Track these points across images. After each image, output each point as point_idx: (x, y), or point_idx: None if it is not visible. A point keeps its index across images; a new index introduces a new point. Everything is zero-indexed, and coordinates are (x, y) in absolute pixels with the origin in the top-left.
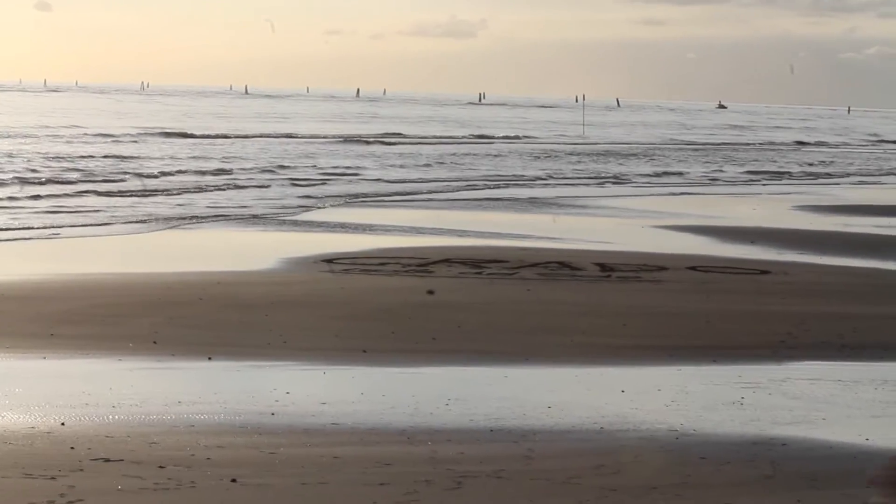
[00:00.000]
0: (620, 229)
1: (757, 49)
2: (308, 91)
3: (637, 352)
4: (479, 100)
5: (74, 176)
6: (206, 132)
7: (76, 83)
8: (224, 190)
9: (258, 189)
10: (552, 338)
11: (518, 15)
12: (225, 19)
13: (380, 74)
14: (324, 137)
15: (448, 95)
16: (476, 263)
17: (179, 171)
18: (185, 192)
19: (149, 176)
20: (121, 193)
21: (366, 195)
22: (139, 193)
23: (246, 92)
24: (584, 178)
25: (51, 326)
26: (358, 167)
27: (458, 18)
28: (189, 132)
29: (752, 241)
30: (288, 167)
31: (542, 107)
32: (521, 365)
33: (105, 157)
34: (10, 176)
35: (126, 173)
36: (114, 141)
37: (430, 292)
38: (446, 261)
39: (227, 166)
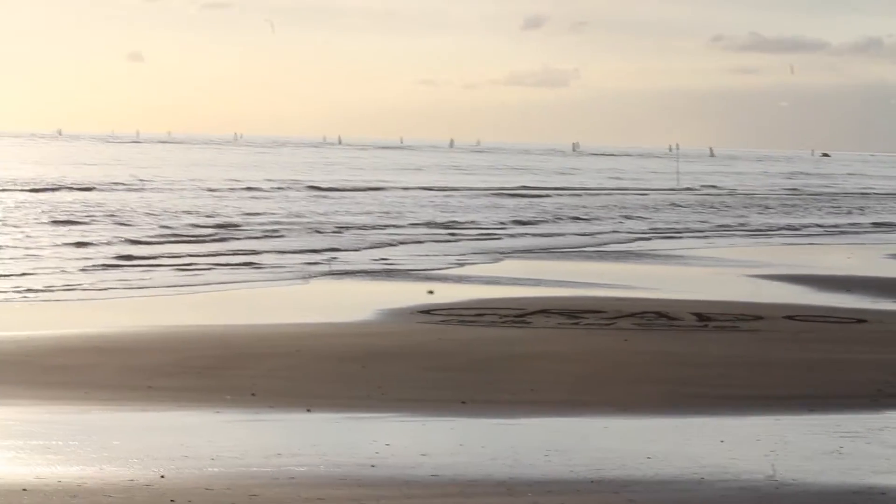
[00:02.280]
0: (718, 278)
1: (852, 96)
2: (402, 141)
3: (735, 402)
4: (574, 149)
5: (208, 231)
6: (336, 185)
7: (168, 134)
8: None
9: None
10: (650, 388)
11: (610, 64)
12: (315, 69)
13: (473, 124)
14: (453, 189)
15: (542, 145)
16: (573, 314)
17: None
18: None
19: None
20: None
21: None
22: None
23: (339, 143)
24: (680, 228)
25: (149, 378)
26: (501, 222)
27: (551, 67)
28: (321, 185)
29: (847, 290)
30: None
31: (637, 156)
32: (619, 415)
33: (264, 213)
34: (155, 231)
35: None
36: (253, 195)
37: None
38: (544, 311)
39: (388, 221)
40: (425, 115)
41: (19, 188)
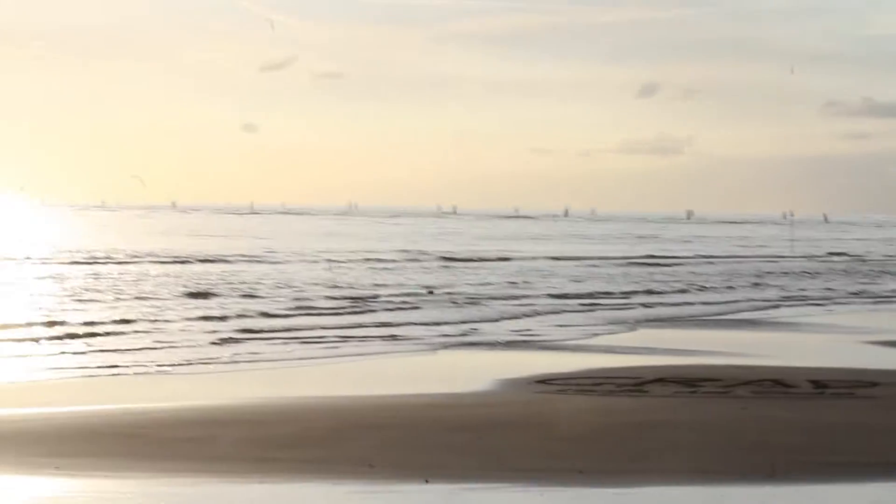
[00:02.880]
0: (835, 345)
1: None
2: (517, 210)
3: (853, 469)
4: (688, 217)
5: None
6: (465, 255)
7: (282, 204)
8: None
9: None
10: (767, 455)
11: (723, 131)
12: (428, 138)
13: (587, 192)
14: (580, 259)
15: (656, 213)
16: (690, 382)
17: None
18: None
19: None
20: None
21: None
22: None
23: (454, 212)
24: (802, 295)
25: (266, 450)
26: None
27: (664, 135)
28: (450, 255)
29: None
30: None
31: (752, 223)
32: (737, 483)
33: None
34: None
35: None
36: (384, 266)
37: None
38: (660, 380)
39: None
40: (539, 183)
41: (149, 260)
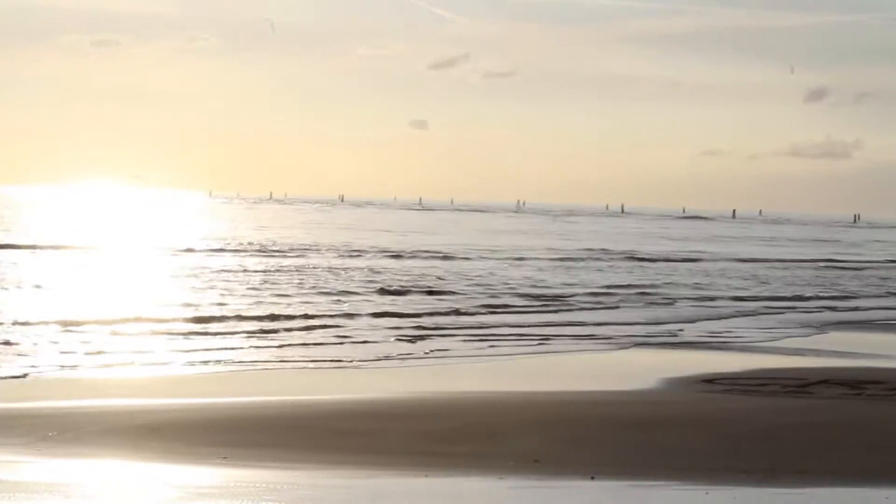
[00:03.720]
0: None
1: None
2: (684, 211)
3: None
4: (854, 221)
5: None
6: (653, 255)
7: (451, 202)
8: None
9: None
10: None
11: (891, 136)
12: (596, 138)
13: (754, 194)
14: (765, 261)
15: (822, 216)
16: (855, 384)
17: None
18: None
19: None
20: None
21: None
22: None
23: (622, 211)
24: None
25: (432, 444)
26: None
27: (833, 139)
28: (637, 255)
29: None
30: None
31: None
32: None
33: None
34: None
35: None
36: (569, 265)
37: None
38: (825, 381)
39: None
40: (707, 184)
41: (337, 254)
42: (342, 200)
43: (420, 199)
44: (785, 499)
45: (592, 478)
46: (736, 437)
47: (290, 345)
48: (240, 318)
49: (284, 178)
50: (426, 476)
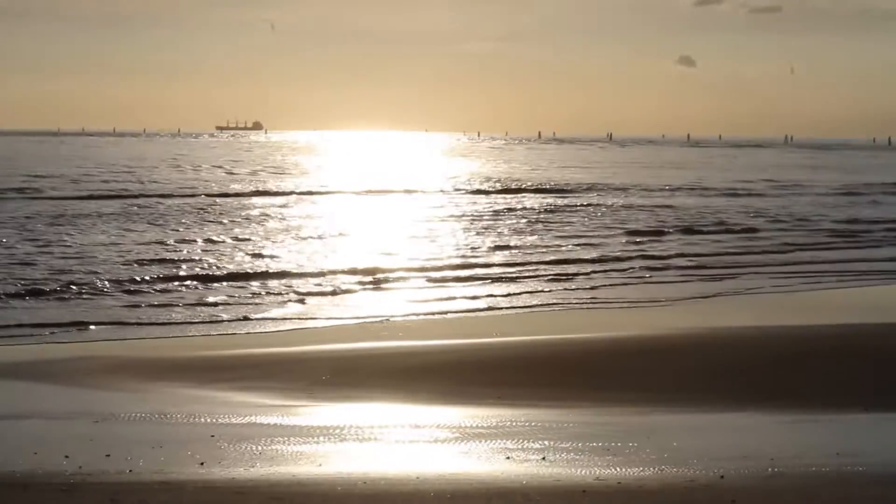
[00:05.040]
0: None
1: None
2: (890, 142)
3: None
4: None
5: None
6: None
7: (719, 137)
8: None
9: None
10: None
11: None
12: (861, 72)
13: None
14: None
15: None
16: None
17: None
18: None
19: None
20: None
21: None
22: None
23: (889, 143)
24: None
25: (707, 380)
26: None
27: None
28: None
29: None
30: None
31: None
32: None
33: None
34: None
35: None
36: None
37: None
38: None
39: None
40: None
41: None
42: (610, 139)
43: (688, 136)
44: None
45: (866, 410)
46: None
47: (580, 288)
48: (532, 263)
49: (551, 117)
50: (701, 412)
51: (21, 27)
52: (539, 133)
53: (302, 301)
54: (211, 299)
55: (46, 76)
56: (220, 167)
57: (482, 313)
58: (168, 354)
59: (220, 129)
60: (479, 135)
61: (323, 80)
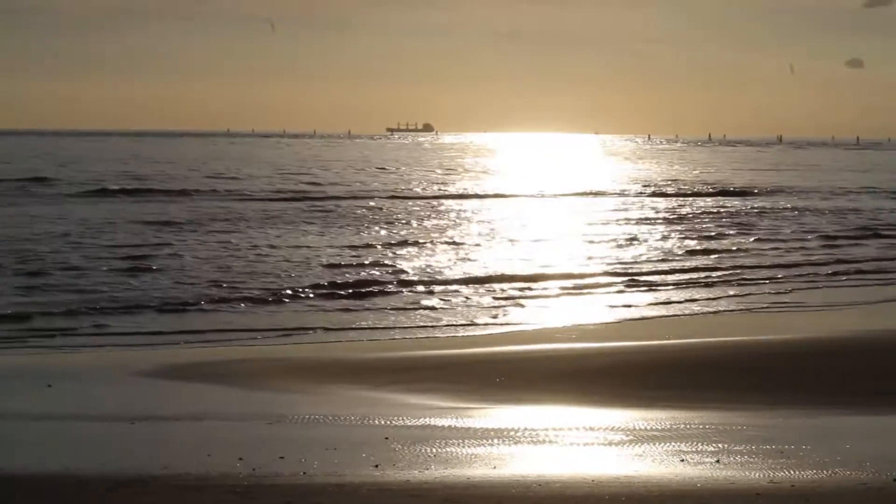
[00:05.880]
0: None
1: None
2: None
3: None
4: None
5: None
6: None
7: (888, 140)
8: None
9: None
10: None
11: None
12: None
13: None
14: None
15: None
16: None
17: None
18: None
19: None
20: None
21: None
22: None
23: None
24: None
25: (874, 382)
26: None
27: None
28: None
29: None
30: None
31: None
32: None
33: None
34: None
35: None
36: None
37: None
38: None
39: None
40: None
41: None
42: (780, 141)
43: (857, 139)
44: None
45: None
46: None
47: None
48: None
49: (720, 119)
50: (872, 415)
51: (189, 30)
52: (709, 135)
53: (519, 305)
54: (426, 303)
55: (223, 78)
56: (431, 170)
57: (660, 318)
58: (342, 356)
59: (391, 130)
60: (649, 137)
61: (490, 82)
